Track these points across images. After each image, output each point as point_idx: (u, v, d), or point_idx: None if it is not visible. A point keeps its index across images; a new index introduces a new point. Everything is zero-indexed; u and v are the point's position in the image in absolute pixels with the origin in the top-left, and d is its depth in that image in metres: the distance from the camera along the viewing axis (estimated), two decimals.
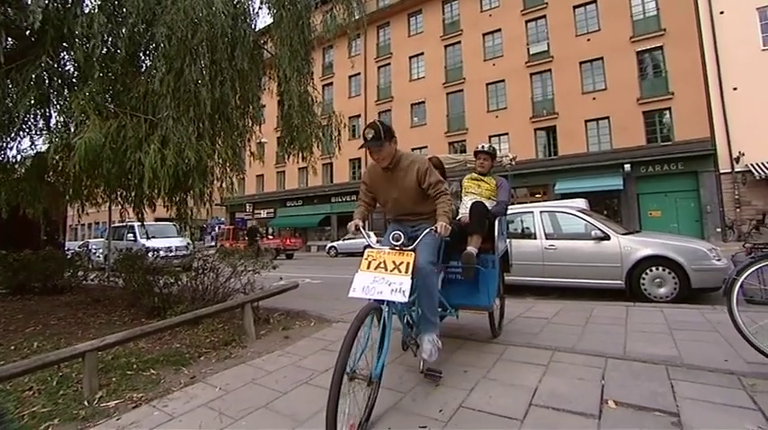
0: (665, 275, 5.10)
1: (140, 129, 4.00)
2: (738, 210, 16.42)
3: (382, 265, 2.21)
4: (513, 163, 4.12)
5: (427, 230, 2.38)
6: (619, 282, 5.38)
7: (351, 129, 25.34)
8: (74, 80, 4.54)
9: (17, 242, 7.85)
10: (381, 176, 2.71)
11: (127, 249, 6.59)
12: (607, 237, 5.53)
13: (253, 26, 5.50)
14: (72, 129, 4.19)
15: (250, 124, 5.43)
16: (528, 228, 6.33)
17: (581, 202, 7.05)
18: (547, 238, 5.98)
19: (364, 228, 2.57)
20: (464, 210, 3.39)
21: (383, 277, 2.15)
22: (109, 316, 5.33)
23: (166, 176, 3.81)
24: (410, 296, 2.17)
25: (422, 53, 26.22)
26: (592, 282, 5.58)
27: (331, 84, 30.45)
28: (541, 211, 6.24)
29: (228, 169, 4.80)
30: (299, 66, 5.80)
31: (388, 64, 27.92)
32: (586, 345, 3.24)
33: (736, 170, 16.46)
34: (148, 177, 3.73)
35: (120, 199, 5.72)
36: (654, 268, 5.17)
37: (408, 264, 2.18)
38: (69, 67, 4.36)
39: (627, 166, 18.26)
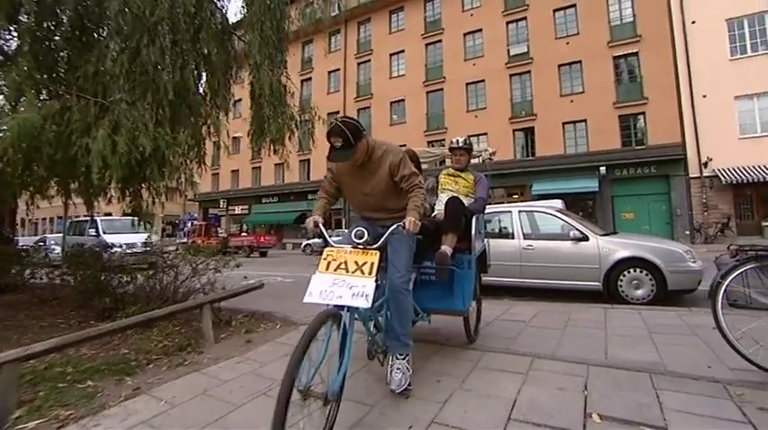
0: (643, 277, 5.04)
1: (89, 112, 3.62)
2: (705, 213, 16.93)
3: (343, 266, 1.97)
4: (492, 158, 3.95)
5: (393, 226, 2.09)
6: (597, 283, 5.30)
7: (329, 124, 24.87)
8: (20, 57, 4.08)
9: None
10: (350, 170, 2.40)
11: (78, 244, 6.10)
12: (585, 238, 5.45)
13: (224, 10, 5.17)
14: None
15: (217, 115, 5.05)
16: (506, 227, 6.20)
17: (558, 203, 7.01)
18: (525, 238, 5.86)
19: (324, 225, 2.30)
20: (440, 207, 3.18)
21: (344, 279, 1.91)
22: (54, 318, 4.89)
23: (118, 165, 3.46)
24: (376, 301, 1.95)
25: (402, 51, 26.03)
26: (570, 284, 5.49)
27: (310, 79, 29.94)
28: (520, 211, 6.12)
29: (189, 161, 4.45)
30: (271, 53, 5.50)
31: (369, 61, 27.62)
32: (567, 351, 3.08)
33: (705, 175, 16.97)
34: (97, 165, 3.37)
35: (72, 191, 5.26)
36: (632, 270, 5.11)
37: (373, 264, 1.94)
38: (13, 43, 3.91)
39: (602, 169, 18.59)
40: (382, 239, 2.09)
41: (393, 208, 2.42)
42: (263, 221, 30.11)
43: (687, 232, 16.95)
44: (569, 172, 19.45)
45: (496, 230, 6.16)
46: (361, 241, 2.02)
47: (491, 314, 4.35)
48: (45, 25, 3.63)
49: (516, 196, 20.73)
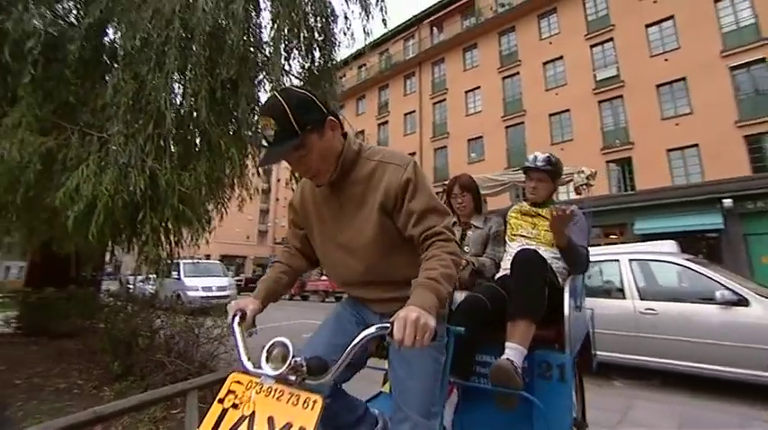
0: None
1: (90, 149, 3.17)
2: None
3: (244, 427, 0.86)
4: (592, 183, 2.68)
5: (369, 332, 0.93)
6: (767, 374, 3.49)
7: None
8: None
9: (53, 280, 7.46)
10: (320, 198, 1.31)
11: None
12: (743, 302, 3.71)
13: (257, 35, 4.73)
14: None
15: (245, 151, 4.43)
16: (610, 281, 4.65)
17: (670, 245, 5.25)
18: (641, 299, 4.25)
19: (241, 324, 1.14)
20: (508, 265, 2.01)
21: None
22: (80, 375, 4.46)
23: (104, 208, 2.88)
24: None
25: (478, 87, 25.19)
26: (718, 370, 3.72)
27: (386, 122, 30.31)
28: (631, 259, 4.53)
29: (205, 204, 3.84)
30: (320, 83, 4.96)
31: (444, 100, 27.19)
32: None
33: None
34: (77, 210, 2.81)
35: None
36: None
37: None
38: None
39: (727, 201, 15.22)
40: (339, 363, 0.92)
41: (404, 278, 1.17)
42: None
43: None
44: (680, 206, 16.27)
45: (596, 285, 4.63)
46: (280, 371, 0.88)
47: (599, 418, 2.89)
48: (52, 58, 3.34)
49: (615, 236, 17.89)
